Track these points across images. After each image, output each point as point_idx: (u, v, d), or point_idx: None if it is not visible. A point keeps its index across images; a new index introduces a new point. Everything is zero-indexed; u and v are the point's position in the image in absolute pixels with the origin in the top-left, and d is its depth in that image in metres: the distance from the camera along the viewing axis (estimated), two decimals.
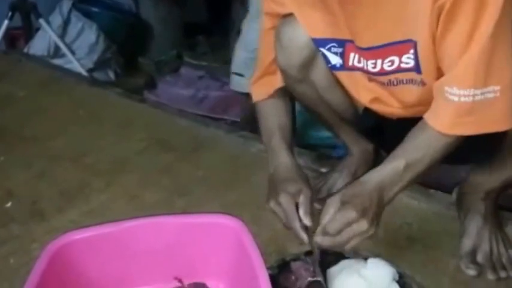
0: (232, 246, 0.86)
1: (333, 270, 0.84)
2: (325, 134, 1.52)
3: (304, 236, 0.87)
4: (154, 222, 0.87)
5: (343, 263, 0.84)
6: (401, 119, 1.00)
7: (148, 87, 2.30)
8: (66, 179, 1.24)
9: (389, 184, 0.83)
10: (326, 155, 1.36)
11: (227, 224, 0.86)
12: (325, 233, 0.80)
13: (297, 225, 0.87)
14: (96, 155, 1.33)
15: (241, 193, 1.14)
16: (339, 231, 0.79)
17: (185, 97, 2.18)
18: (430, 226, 1.04)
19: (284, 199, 0.89)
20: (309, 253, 0.88)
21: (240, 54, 2.01)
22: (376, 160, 1.12)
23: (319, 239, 0.81)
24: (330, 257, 0.88)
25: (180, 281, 0.90)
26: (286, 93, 1.05)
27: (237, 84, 2.06)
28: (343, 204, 0.81)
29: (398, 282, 0.80)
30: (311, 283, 0.83)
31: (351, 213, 0.79)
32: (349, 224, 0.79)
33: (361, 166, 1.08)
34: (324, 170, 1.19)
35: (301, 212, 0.87)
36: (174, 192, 1.18)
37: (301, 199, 0.88)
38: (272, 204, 0.91)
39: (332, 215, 0.81)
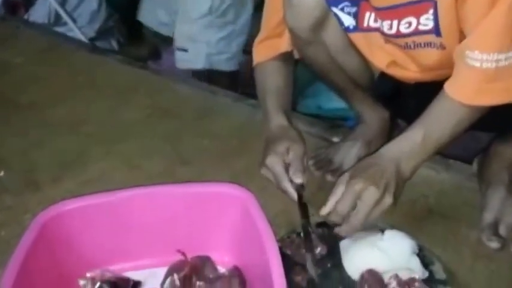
0: (239, 218, 0.79)
1: (345, 243, 0.77)
2: (336, 104, 1.46)
3: (294, 196, 0.82)
4: (155, 192, 0.81)
5: (357, 235, 0.78)
6: (419, 84, 0.93)
7: (152, 58, 2.22)
8: (64, 148, 1.18)
9: (407, 157, 0.78)
10: (338, 124, 1.29)
11: (234, 194, 0.80)
12: (337, 215, 0.75)
13: (286, 186, 0.82)
14: (96, 123, 1.27)
15: (249, 163, 1.07)
16: (352, 208, 0.73)
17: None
18: (450, 198, 0.97)
19: (270, 160, 0.85)
20: (321, 225, 0.82)
21: (181, 28, 1.84)
22: (392, 129, 1.05)
23: (337, 230, 0.76)
24: None
25: (182, 254, 0.84)
26: (289, 59, 0.99)
27: (181, 60, 1.86)
28: (352, 178, 0.76)
29: (417, 255, 0.74)
30: (323, 256, 0.77)
31: (357, 184, 0.73)
32: (357, 195, 0.73)
33: (377, 135, 1.01)
34: (336, 139, 1.12)
35: (291, 171, 0.82)
36: (177, 161, 1.11)
37: (290, 157, 0.83)
38: (263, 170, 0.86)
39: (340, 195, 0.76)
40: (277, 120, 0.94)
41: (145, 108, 1.33)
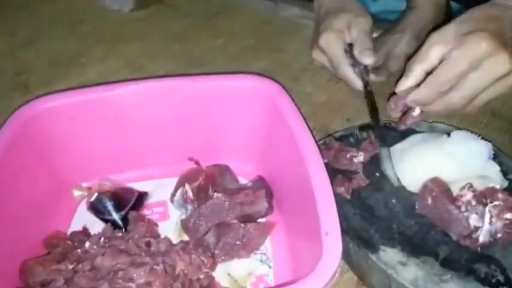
0: (266, 118, 0.64)
1: (399, 148, 0.62)
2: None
3: (358, 83, 0.65)
4: (162, 86, 0.65)
5: (413, 138, 0.63)
6: None
7: None
8: (58, 48, 1.02)
9: None
10: (377, 17, 1.09)
11: (259, 88, 0.64)
12: (430, 91, 0.56)
13: (347, 71, 0.65)
14: (95, 22, 1.10)
15: (271, 64, 0.91)
16: (458, 80, 0.55)
17: None
18: None
19: (326, 38, 0.68)
20: (364, 128, 0.67)
21: None
22: (448, 15, 0.86)
23: (412, 97, 0.58)
24: (392, 132, 0.66)
25: (196, 162, 0.70)
26: None
27: None
28: (463, 34, 0.54)
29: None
30: (370, 164, 0.62)
31: (479, 44, 0.53)
32: (475, 61, 0.53)
33: (428, 25, 0.82)
34: (375, 35, 0.94)
35: (356, 50, 0.65)
36: (187, 63, 0.95)
37: (353, 33, 0.66)
38: (315, 53, 0.69)
39: (434, 60, 0.56)
40: None
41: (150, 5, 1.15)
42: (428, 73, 0.58)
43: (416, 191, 0.58)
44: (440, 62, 0.56)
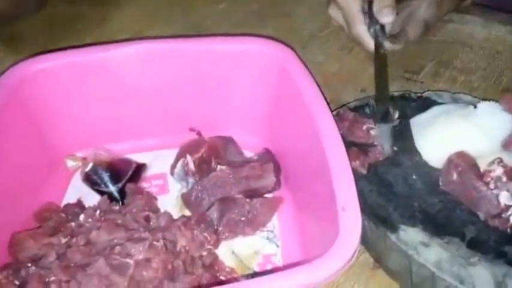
0: (275, 86, 0.59)
1: (420, 119, 0.57)
2: None
3: (370, 44, 0.61)
4: (161, 49, 0.60)
5: (435, 110, 0.58)
6: None
7: None
8: (51, 12, 0.96)
9: None
10: None
11: (268, 52, 0.59)
12: None
13: (361, 30, 0.61)
14: None
15: (277, 30, 0.86)
16: None
17: None
18: None
19: None
20: (381, 98, 0.62)
21: None
22: None
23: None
24: (411, 103, 0.62)
25: (198, 133, 0.65)
26: None
27: None
28: None
29: None
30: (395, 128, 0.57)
31: None
32: None
33: None
34: None
35: (375, 7, 0.60)
36: (187, 29, 0.89)
37: None
38: (330, 8, 0.64)
39: None
40: None
41: None
42: None
43: (440, 166, 0.53)
44: None
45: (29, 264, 0.46)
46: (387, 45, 0.71)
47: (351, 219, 0.41)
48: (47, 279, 0.43)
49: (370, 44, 0.66)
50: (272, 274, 0.37)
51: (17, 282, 0.45)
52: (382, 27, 0.65)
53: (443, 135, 0.53)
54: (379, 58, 0.63)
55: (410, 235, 0.48)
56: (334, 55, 0.79)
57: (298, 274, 0.37)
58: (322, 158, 0.46)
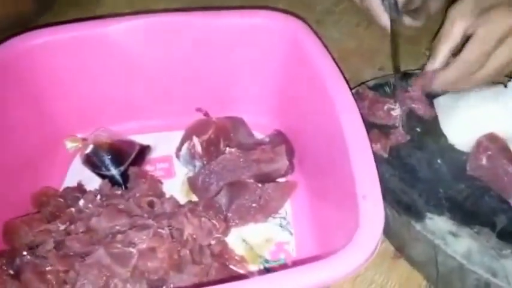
0: (287, 62, 0.55)
1: (446, 100, 0.53)
2: None
3: (383, 18, 0.59)
4: (165, 22, 0.56)
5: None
6: None
7: None
8: None
9: None
10: None
11: (279, 26, 0.54)
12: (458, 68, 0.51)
13: (373, 3, 0.57)
14: None
15: (290, 4, 0.81)
16: (486, 58, 0.50)
17: None
18: None
19: None
20: (402, 76, 0.58)
21: None
22: None
23: (441, 79, 0.53)
24: None
25: (205, 114, 0.61)
26: None
27: None
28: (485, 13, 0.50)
29: None
30: (412, 110, 0.53)
31: (506, 22, 0.49)
32: (504, 38, 0.49)
33: None
34: None
35: None
36: (194, 3, 0.85)
37: None
38: None
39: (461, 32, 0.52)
40: None
41: None
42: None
43: (467, 150, 0.49)
44: (463, 37, 0.53)
45: (25, 253, 0.43)
46: (407, 21, 0.66)
47: (372, 209, 0.37)
48: (43, 269, 0.39)
49: (383, 17, 0.62)
50: (290, 269, 0.33)
51: (11, 272, 0.41)
52: (396, 1, 0.60)
53: (471, 117, 0.50)
54: (393, 33, 0.59)
55: (438, 224, 0.44)
56: (350, 32, 0.75)
57: (317, 270, 0.34)
58: (341, 139, 0.42)
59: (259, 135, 0.60)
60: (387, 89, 0.57)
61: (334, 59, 0.50)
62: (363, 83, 0.59)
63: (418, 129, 0.52)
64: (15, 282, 0.40)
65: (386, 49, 0.70)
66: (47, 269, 0.40)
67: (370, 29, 0.73)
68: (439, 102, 0.53)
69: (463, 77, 0.52)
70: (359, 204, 0.38)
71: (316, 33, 0.53)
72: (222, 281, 0.33)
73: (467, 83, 0.53)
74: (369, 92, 0.56)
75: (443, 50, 0.53)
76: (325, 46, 0.51)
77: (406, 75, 0.58)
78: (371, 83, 0.58)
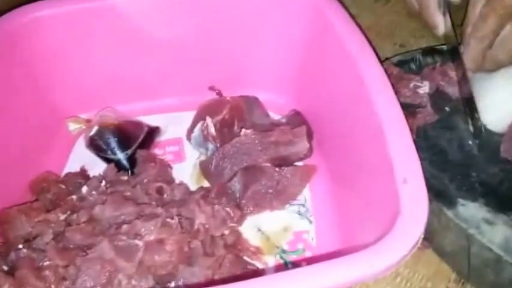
0: (307, 36, 0.51)
1: (478, 77, 0.49)
2: None
3: (439, 23, 0.52)
4: None
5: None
6: None
7: None
8: None
9: None
10: None
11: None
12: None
13: (430, 4, 0.52)
14: None
15: None
16: None
17: None
18: None
19: None
20: (428, 52, 0.54)
21: None
22: None
23: None
24: None
25: (218, 93, 0.57)
26: None
27: None
28: None
29: None
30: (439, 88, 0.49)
31: None
32: None
33: None
34: None
35: None
36: None
37: None
38: None
39: None
40: None
41: None
42: None
43: (501, 131, 0.45)
44: None
45: (20, 246, 0.39)
46: None
47: (415, 193, 0.33)
48: (40, 264, 0.36)
49: (440, 22, 0.55)
50: (323, 262, 0.30)
51: (5, 268, 0.38)
52: None
53: (506, 95, 0.45)
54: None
55: (471, 211, 0.41)
56: (369, 7, 0.71)
57: (355, 263, 0.30)
58: (374, 118, 0.38)
59: (275, 115, 0.56)
60: (413, 66, 0.53)
61: (363, 31, 0.46)
62: (387, 58, 0.54)
63: (447, 109, 0.48)
64: (8, 279, 0.36)
65: (406, 25, 0.66)
66: (45, 264, 0.36)
67: (389, 3, 0.69)
68: (475, 77, 0.49)
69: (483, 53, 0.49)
70: (398, 189, 0.34)
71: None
72: (236, 277, 0.29)
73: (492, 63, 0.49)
74: (394, 69, 0.52)
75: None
76: (352, 15, 0.47)
77: (433, 51, 0.53)
78: (395, 60, 0.54)
